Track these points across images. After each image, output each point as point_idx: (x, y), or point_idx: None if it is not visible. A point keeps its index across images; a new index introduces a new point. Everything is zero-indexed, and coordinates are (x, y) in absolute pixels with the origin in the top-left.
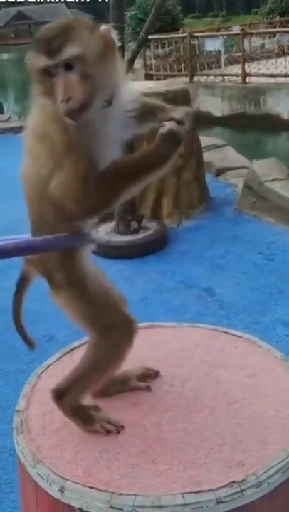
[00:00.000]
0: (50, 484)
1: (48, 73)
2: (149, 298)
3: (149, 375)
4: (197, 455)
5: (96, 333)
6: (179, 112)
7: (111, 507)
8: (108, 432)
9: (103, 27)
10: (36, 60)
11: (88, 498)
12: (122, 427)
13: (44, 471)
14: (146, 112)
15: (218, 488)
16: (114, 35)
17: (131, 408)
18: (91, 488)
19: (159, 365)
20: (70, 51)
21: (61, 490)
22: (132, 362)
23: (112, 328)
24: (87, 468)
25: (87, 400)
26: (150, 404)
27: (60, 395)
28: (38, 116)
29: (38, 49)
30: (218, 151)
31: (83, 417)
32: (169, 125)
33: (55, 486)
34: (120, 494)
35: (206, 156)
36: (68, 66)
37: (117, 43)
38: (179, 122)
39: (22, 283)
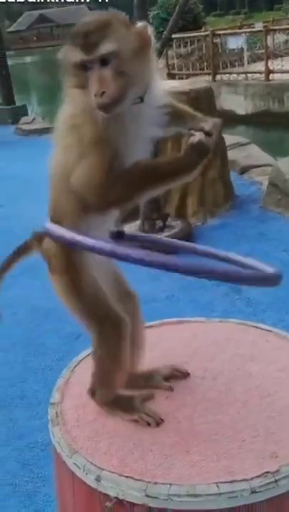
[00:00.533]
0: (86, 474)
1: (83, 67)
2: (176, 296)
3: (176, 376)
4: (230, 446)
5: (90, 330)
6: (208, 122)
7: (147, 495)
8: (147, 423)
9: (140, 24)
10: (72, 54)
11: (124, 486)
12: (162, 420)
13: (81, 461)
14: (175, 117)
15: (252, 478)
16: (150, 32)
17: (163, 401)
18: (127, 477)
19: (190, 360)
20: (106, 47)
21: (98, 479)
22: (163, 357)
23: (101, 323)
24: (122, 458)
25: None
26: (182, 397)
27: (92, 392)
28: (69, 108)
29: (75, 43)
30: (243, 149)
31: (122, 407)
32: (199, 136)
33: (92, 475)
34: (155, 483)
35: (231, 155)
36: (104, 61)
37: (154, 40)
38: (208, 133)
39: (21, 251)
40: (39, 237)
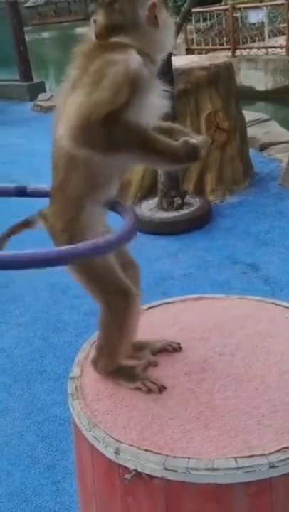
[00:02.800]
0: (105, 447)
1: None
2: (194, 274)
3: (167, 349)
4: (249, 421)
5: (98, 300)
6: (199, 138)
7: (165, 469)
8: (150, 390)
9: None
10: None
11: (143, 459)
12: (164, 387)
13: (100, 434)
14: (164, 133)
15: (270, 453)
16: None
17: (182, 376)
18: (146, 450)
19: (209, 335)
20: None
21: (116, 452)
22: (183, 331)
23: (110, 295)
24: (141, 432)
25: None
26: (201, 372)
27: (95, 363)
28: (91, 60)
29: None
30: (262, 125)
31: (125, 375)
32: (198, 140)
33: (111, 448)
34: (174, 457)
35: (250, 131)
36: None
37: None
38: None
39: (25, 224)
40: (45, 215)
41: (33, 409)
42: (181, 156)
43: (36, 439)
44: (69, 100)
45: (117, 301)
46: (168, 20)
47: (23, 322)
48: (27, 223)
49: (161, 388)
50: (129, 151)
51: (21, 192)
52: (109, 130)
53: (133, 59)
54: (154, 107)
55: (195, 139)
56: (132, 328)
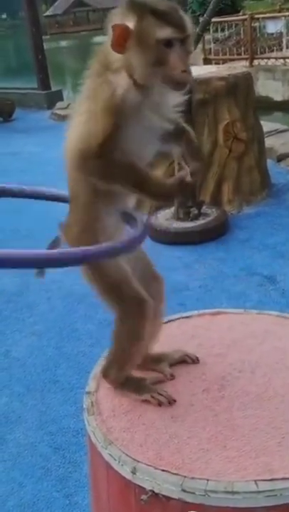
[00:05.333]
0: (122, 465)
1: (167, 44)
2: (210, 285)
3: (185, 361)
4: (269, 442)
5: (111, 308)
6: (193, 164)
7: (183, 490)
8: (160, 403)
9: None
10: (160, 31)
11: (160, 480)
12: (174, 400)
13: (116, 453)
14: (174, 136)
15: None
16: None
17: (200, 393)
18: (163, 470)
19: (228, 351)
20: (189, 27)
21: (133, 471)
22: (201, 346)
23: (123, 303)
24: (158, 451)
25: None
26: (220, 389)
27: (105, 373)
28: (92, 82)
29: (165, 20)
30: (280, 136)
31: (134, 387)
32: (188, 175)
33: (127, 467)
34: (192, 478)
35: (267, 142)
36: (184, 40)
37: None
38: (192, 174)
39: (53, 244)
40: (62, 225)
41: (46, 419)
42: (173, 194)
43: (49, 450)
44: (71, 129)
45: (130, 309)
46: (143, 50)
47: (37, 331)
48: (57, 241)
49: (171, 400)
50: (124, 186)
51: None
52: (103, 163)
53: (120, 83)
54: (149, 130)
55: (187, 169)
56: (143, 339)
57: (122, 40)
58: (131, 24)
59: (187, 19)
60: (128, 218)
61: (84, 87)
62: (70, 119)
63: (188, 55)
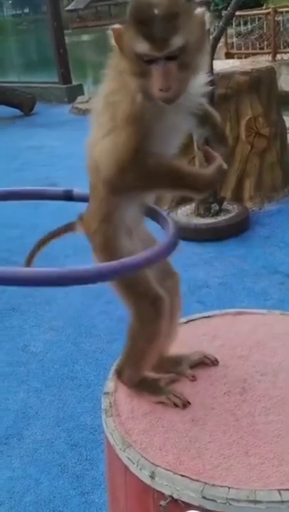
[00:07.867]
0: (140, 469)
1: (147, 60)
2: (230, 282)
3: (204, 362)
4: None
5: (127, 305)
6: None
7: (203, 497)
8: (175, 405)
9: (198, 10)
10: (138, 45)
11: (180, 486)
12: (189, 402)
13: (134, 456)
14: (201, 120)
15: None
16: (207, 18)
17: (221, 396)
18: (182, 476)
19: (250, 353)
20: (176, 43)
21: (152, 476)
22: (222, 347)
23: (139, 300)
24: (177, 455)
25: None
26: (242, 393)
27: (119, 373)
28: (111, 85)
29: (142, 34)
30: None
31: (149, 388)
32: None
33: (146, 471)
34: (213, 485)
35: None
36: (170, 57)
37: (208, 27)
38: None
39: (65, 228)
40: (82, 216)
41: (63, 416)
42: (215, 183)
43: (66, 447)
44: (97, 144)
45: (146, 307)
46: (127, 58)
47: (55, 326)
48: (69, 227)
49: (186, 403)
50: (166, 189)
51: (68, 196)
52: (141, 173)
53: (136, 92)
54: (174, 127)
55: (218, 156)
56: (159, 337)
57: (119, 43)
58: (122, 28)
59: (179, 31)
60: (152, 213)
61: (102, 88)
62: (90, 125)
63: (174, 71)
